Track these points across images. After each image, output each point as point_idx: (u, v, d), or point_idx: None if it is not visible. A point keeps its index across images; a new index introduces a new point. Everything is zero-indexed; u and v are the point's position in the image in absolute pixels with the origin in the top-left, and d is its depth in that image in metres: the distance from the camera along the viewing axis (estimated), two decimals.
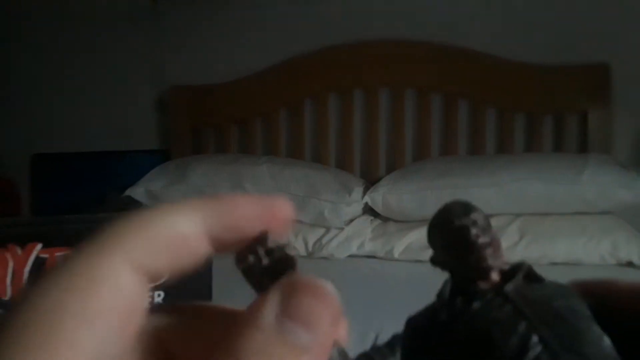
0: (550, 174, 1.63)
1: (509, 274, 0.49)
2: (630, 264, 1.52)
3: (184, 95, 2.30)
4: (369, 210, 1.81)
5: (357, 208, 1.80)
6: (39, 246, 0.67)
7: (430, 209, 1.40)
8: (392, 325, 1.31)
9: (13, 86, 2.50)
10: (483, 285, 0.48)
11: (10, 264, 0.65)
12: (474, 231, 0.47)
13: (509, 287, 0.48)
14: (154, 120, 2.41)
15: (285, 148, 2.23)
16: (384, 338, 1.21)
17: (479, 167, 1.73)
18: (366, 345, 1.10)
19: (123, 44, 2.39)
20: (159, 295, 0.73)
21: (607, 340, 0.43)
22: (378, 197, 1.76)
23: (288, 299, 0.20)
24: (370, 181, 1.92)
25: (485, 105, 2.03)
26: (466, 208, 0.50)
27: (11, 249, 0.65)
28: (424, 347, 0.49)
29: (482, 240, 0.47)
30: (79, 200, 2.17)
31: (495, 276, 0.48)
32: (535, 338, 0.43)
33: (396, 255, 1.69)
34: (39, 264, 0.67)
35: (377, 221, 1.80)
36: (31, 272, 0.67)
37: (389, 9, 2.12)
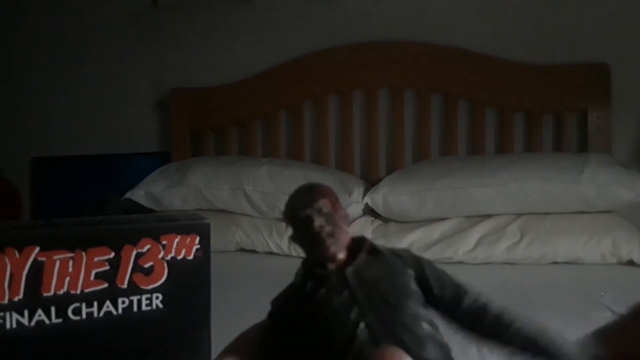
0: (550, 173, 1.63)
1: (354, 248, 0.52)
2: (630, 263, 1.52)
3: (184, 97, 2.31)
4: (369, 211, 1.81)
5: (357, 209, 1.80)
6: (37, 249, 0.67)
7: (431, 210, 1.41)
8: None
9: (13, 89, 2.50)
10: (331, 266, 0.51)
11: (8, 268, 0.65)
12: (317, 222, 0.50)
13: (350, 270, 0.51)
14: (155, 122, 2.41)
15: (285, 149, 2.23)
16: None
17: (479, 167, 1.74)
18: None
19: (123, 47, 2.39)
20: (157, 297, 0.73)
21: (425, 326, 0.47)
22: (378, 197, 1.76)
23: None
24: (370, 182, 1.92)
25: (484, 105, 2.04)
26: (312, 195, 0.53)
27: (9, 253, 0.65)
28: (287, 330, 0.52)
29: (325, 230, 0.50)
30: (80, 203, 2.17)
31: (341, 255, 0.51)
32: (362, 324, 0.46)
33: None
34: (37, 267, 0.68)
35: (378, 222, 1.80)
36: (29, 275, 0.67)
37: (387, 11, 2.12)
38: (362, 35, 2.13)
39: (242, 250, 1.84)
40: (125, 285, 0.70)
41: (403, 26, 2.09)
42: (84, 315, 0.68)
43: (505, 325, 0.51)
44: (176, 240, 0.74)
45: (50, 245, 0.66)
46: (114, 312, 0.70)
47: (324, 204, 0.52)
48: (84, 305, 0.69)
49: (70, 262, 0.67)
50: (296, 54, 2.20)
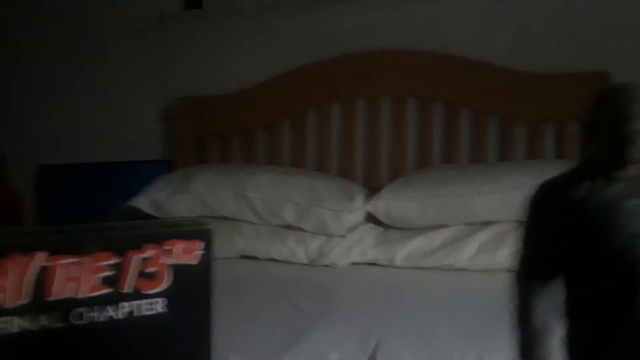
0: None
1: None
2: None
3: (189, 106, 2.32)
4: (371, 218, 1.82)
5: (360, 216, 1.81)
6: (42, 255, 0.69)
7: (433, 217, 1.42)
8: (393, 332, 1.32)
9: (19, 98, 2.52)
10: (625, 174, 0.48)
11: (13, 273, 0.66)
12: (637, 125, 0.47)
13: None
14: (159, 131, 2.43)
15: (289, 157, 2.24)
16: (386, 344, 1.22)
17: (481, 175, 1.74)
18: (368, 351, 1.11)
19: (130, 57, 2.41)
20: (160, 302, 0.74)
21: None
22: (380, 205, 1.77)
23: None
24: (372, 189, 1.93)
25: (486, 114, 2.04)
26: (638, 95, 0.51)
27: (15, 258, 0.67)
28: (553, 214, 0.48)
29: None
30: (85, 210, 2.18)
31: (634, 169, 0.48)
32: None
33: (398, 262, 1.70)
34: (42, 272, 0.69)
35: (380, 229, 1.80)
36: (34, 280, 0.68)
37: (390, 21, 2.13)
38: (365, 45, 2.14)
39: (245, 257, 1.85)
40: (128, 290, 0.71)
41: (406, 36, 2.10)
42: (86, 320, 0.69)
43: None
44: (179, 246, 0.75)
45: (55, 250, 0.67)
46: (117, 317, 0.71)
47: None
48: (87, 309, 0.69)
49: (75, 267, 0.68)
50: (299, 63, 2.21)
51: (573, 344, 0.45)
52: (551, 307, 0.47)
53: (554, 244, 0.49)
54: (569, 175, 0.51)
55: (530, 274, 0.49)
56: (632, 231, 0.43)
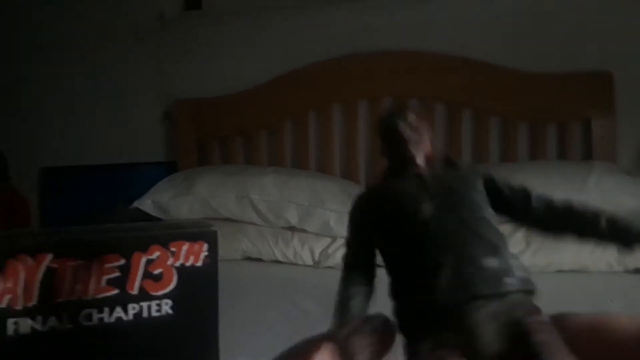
0: (555, 181, 1.63)
1: (434, 161, 0.61)
2: (637, 271, 1.52)
3: (190, 108, 2.33)
4: None
5: None
6: (50, 256, 0.69)
7: None
8: (398, 333, 1.31)
9: (22, 100, 2.53)
10: (411, 169, 0.60)
11: (22, 275, 0.67)
12: (401, 128, 0.59)
13: (426, 171, 0.60)
14: (161, 132, 2.43)
15: (291, 159, 2.25)
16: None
17: None
18: None
19: (130, 58, 2.42)
20: (166, 303, 0.74)
21: (483, 211, 0.54)
22: None
23: None
24: None
25: (488, 114, 2.04)
26: (402, 109, 0.63)
27: (22, 260, 0.67)
28: (366, 216, 0.60)
29: (406, 135, 0.59)
30: (88, 212, 2.19)
31: (420, 163, 0.58)
32: (429, 204, 0.52)
33: None
34: (50, 274, 0.69)
35: None
36: (42, 282, 0.68)
37: (391, 21, 2.14)
38: (366, 45, 2.14)
39: (249, 258, 1.85)
40: (135, 292, 0.71)
41: (406, 36, 2.11)
42: (95, 321, 0.70)
43: (579, 214, 0.57)
44: (185, 247, 0.75)
45: (62, 252, 0.67)
46: (125, 318, 0.71)
47: (409, 114, 0.61)
48: (95, 311, 0.70)
49: (83, 269, 0.68)
50: (301, 64, 2.22)
51: (399, 319, 0.53)
52: (367, 285, 0.58)
53: (368, 236, 0.61)
54: (373, 184, 0.64)
55: (351, 264, 0.60)
56: (412, 207, 0.53)
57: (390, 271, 0.57)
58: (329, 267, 1.75)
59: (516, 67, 2.00)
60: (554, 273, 1.56)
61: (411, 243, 0.54)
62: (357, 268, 0.60)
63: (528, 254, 1.57)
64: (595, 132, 1.94)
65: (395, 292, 0.55)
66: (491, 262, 0.51)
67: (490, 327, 0.45)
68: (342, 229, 1.78)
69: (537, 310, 0.50)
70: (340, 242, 1.78)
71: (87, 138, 2.47)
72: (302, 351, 0.42)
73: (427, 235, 0.52)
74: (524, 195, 0.62)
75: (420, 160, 0.59)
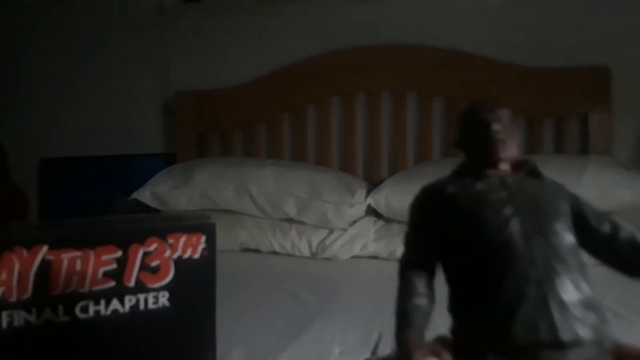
0: (552, 175, 1.63)
1: (517, 167, 0.55)
2: None
3: (190, 100, 2.33)
4: (372, 212, 1.83)
5: (360, 209, 1.81)
6: (45, 248, 0.69)
7: None
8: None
9: (21, 92, 2.53)
10: (493, 172, 0.54)
11: (17, 267, 0.67)
12: (495, 127, 0.53)
13: (510, 178, 0.54)
14: (161, 124, 2.44)
15: (289, 151, 2.25)
16: (388, 336, 1.23)
17: None
18: (370, 344, 1.11)
19: (130, 50, 2.42)
20: (164, 295, 0.74)
21: (569, 237, 0.49)
22: (381, 198, 1.77)
23: None
24: (373, 183, 1.94)
25: None
26: (494, 105, 0.58)
27: (17, 252, 0.67)
28: (434, 215, 0.54)
29: (499, 135, 0.53)
30: (87, 203, 2.19)
31: (504, 167, 0.53)
32: (516, 220, 0.48)
33: (399, 255, 1.70)
34: (46, 266, 0.69)
35: (380, 222, 1.81)
36: (37, 274, 0.68)
37: (390, 15, 2.13)
38: (365, 39, 2.14)
39: (247, 249, 1.86)
40: (132, 284, 0.72)
41: (405, 30, 2.11)
42: (91, 313, 0.70)
43: None
44: (182, 239, 0.75)
45: (58, 244, 0.67)
46: (121, 310, 0.71)
47: (503, 114, 0.56)
48: (91, 303, 0.70)
49: (79, 261, 0.69)
50: (300, 57, 2.21)
51: (455, 333, 0.49)
52: (428, 294, 0.54)
53: (432, 237, 0.55)
54: (444, 179, 0.57)
55: (411, 264, 0.55)
56: (496, 221, 0.48)
57: (454, 284, 0.52)
58: (327, 258, 1.76)
59: (514, 62, 2.00)
60: None
61: (490, 260, 0.48)
62: (417, 271, 0.54)
63: None
64: (592, 126, 1.94)
65: (459, 309, 0.50)
66: (576, 304, 0.45)
67: None
68: (339, 221, 1.79)
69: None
70: (338, 234, 1.79)
71: (86, 129, 2.47)
72: None
73: (512, 257, 0.46)
74: (612, 226, 0.56)
75: (505, 165, 0.54)
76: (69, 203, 2.35)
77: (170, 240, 0.76)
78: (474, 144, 0.55)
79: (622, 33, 1.94)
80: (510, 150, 0.53)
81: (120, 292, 0.72)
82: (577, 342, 0.42)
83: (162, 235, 0.75)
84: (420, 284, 0.51)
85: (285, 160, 2.15)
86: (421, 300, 0.50)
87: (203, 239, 0.78)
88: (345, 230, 1.79)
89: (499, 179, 0.51)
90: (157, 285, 0.74)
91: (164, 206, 1.95)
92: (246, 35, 2.30)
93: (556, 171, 1.63)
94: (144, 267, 0.74)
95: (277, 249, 1.82)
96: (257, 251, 1.86)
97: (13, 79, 2.52)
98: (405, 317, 0.49)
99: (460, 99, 2.06)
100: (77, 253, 0.70)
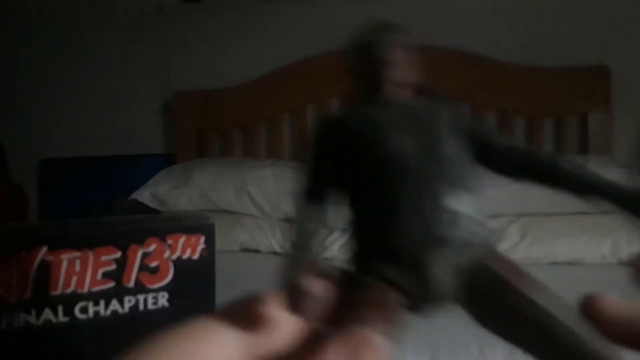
0: None
1: (410, 90, 0.57)
2: None
3: (189, 100, 2.33)
4: None
5: None
6: (44, 249, 0.69)
7: None
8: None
9: (21, 92, 2.53)
10: (386, 96, 0.55)
11: (16, 268, 0.67)
12: (384, 50, 0.54)
13: (403, 101, 0.55)
14: (160, 124, 2.44)
15: (289, 151, 2.25)
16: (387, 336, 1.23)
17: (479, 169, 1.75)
18: None
19: (129, 50, 2.42)
20: (163, 296, 0.75)
21: (462, 153, 0.50)
22: None
23: (351, 353, 0.25)
24: None
25: (485, 108, 2.05)
26: (385, 26, 0.57)
27: (17, 253, 0.67)
28: (332, 146, 0.56)
29: (389, 58, 0.54)
30: (87, 204, 2.19)
31: (397, 90, 0.55)
32: (409, 140, 0.48)
33: None
34: (45, 267, 0.69)
35: None
36: (36, 275, 0.68)
37: (389, 14, 2.13)
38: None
39: (246, 250, 1.86)
40: (131, 284, 0.72)
41: (404, 29, 2.11)
42: (91, 314, 0.70)
43: (540, 160, 0.53)
44: (182, 240, 0.75)
45: (57, 245, 0.67)
46: (121, 311, 0.71)
47: (394, 36, 0.56)
48: (91, 304, 0.70)
49: (78, 262, 0.69)
50: (299, 57, 2.22)
51: (354, 257, 0.50)
52: (324, 221, 0.55)
53: (329, 166, 0.55)
54: (342, 109, 0.58)
55: (307, 193, 0.55)
56: (390, 143, 0.50)
57: (354, 209, 0.54)
58: (327, 258, 1.76)
59: (513, 61, 2.01)
60: (548, 265, 1.57)
61: (386, 180, 0.50)
62: (315, 201, 0.56)
63: (523, 246, 1.58)
64: (591, 126, 1.95)
65: (358, 232, 0.52)
66: (468, 214, 0.49)
67: (445, 270, 0.45)
68: (339, 222, 1.79)
69: (502, 256, 0.49)
70: (338, 234, 1.79)
71: (86, 130, 2.47)
72: (244, 302, 0.34)
73: (407, 175, 0.49)
74: (503, 140, 0.59)
75: (397, 88, 0.56)
76: (69, 203, 2.35)
77: (170, 241, 0.76)
78: (366, 69, 0.57)
79: (622, 32, 1.94)
80: (401, 73, 0.55)
81: (119, 293, 0.72)
82: (465, 244, 0.45)
83: (161, 235, 0.75)
84: (315, 211, 0.52)
85: (284, 161, 2.15)
86: (316, 227, 0.52)
87: (202, 239, 0.77)
88: (344, 230, 1.79)
89: (393, 102, 0.53)
90: (156, 286, 0.74)
91: (163, 206, 1.95)
92: (246, 35, 2.30)
93: None
94: (143, 267, 0.74)
95: (277, 249, 1.82)
96: (257, 251, 1.86)
97: (13, 79, 2.52)
98: (299, 242, 0.50)
99: (458, 98, 2.06)
100: (77, 254, 0.70)
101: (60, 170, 2.48)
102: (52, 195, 2.48)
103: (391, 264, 0.46)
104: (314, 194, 0.56)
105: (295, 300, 0.32)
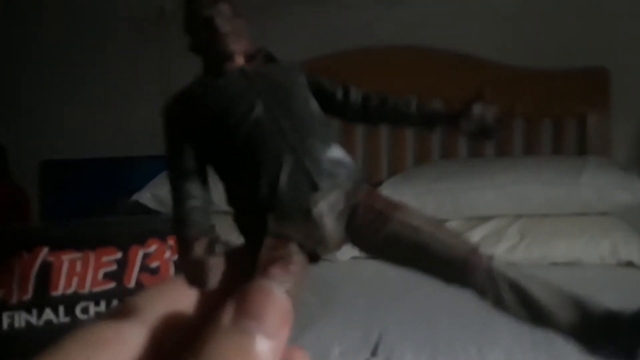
0: (550, 176, 1.65)
1: (252, 56, 0.59)
2: (630, 264, 1.54)
3: None
4: None
5: None
6: (46, 250, 0.69)
7: (431, 212, 1.45)
8: (395, 325, 1.34)
9: (23, 94, 2.54)
10: (229, 66, 0.57)
11: (17, 268, 0.67)
12: (218, 21, 0.56)
13: (247, 67, 0.57)
14: (161, 126, 2.44)
15: None
16: (388, 337, 1.24)
17: (479, 170, 1.75)
18: (370, 344, 1.12)
19: (131, 53, 2.42)
20: None
21: (312, 105, 0.53)
22: None
23: (243, 301, 0.26)
24: (372, 185, 1.94)
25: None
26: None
27: (18, 253, 0.68)
28: (187, 124, 0.57)
29: (224, 29, 0.56)
30: (88, 205, 2.20)
31: (239, 59, 0.57)
32: (259, 102, 0.49)
33: None
34: (46, 267, 0.70)
35: None
36: (38, 275, 0.69)
37: (388, 16, 2.14)
38: (363, 41, 2.15)
39: None
40: (132, 285, 0.73)
41: (403, 31, 2.11)
42: (92, 314, 0.71)
43: (393, 103, 0.56)
44: None
45: (59, 245, 0.68)
46: None
47: (224, 7, 0.57)
48: (92, 304, 0.71)
49: (79, 262, 0.69)
50: (300, 58, 2.21)
51: (240, 224, 0.52)
52: (203, 196, 0.55)
53: (189, 142, 0.56)
54: (189, 84, 0.59)
55: (178, 175, 0.55)
56: (241, 109, 0.52)
57: (224, 178, 0.55)
58: (326, 259, 1.76)
59: (512, 63, 2.01)
60: (547, 265, 1.57)
61: (244, 145, 0.52)
62: (186, 178, 0.55)
63: (522, 247, 1.59)
64: (590, 127, 1.95)
65: (233, 197, 0.53)
66: (328, 160, 0.51)
67: (331, 216, 0.45)
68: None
69: (375, 191, 0.50)
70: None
71: (87, 131, 2.48)
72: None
73: (263, 135, 0.51)
74: (344, 89, 0.61)
75: (239, 55, 0.57)
76: (70, 205, 2.36)
77: (170, 242, 0.77)
78: (204, 42, 0.58)
79: (621, 34, 1.95)
80: (238, 42, 0.57)
81: (120, 293, 0.73)
82: (340, 186, 0.48)
83: (162, 236, 0.76)
84: (192, 188, 0.53)
85: None
86: (196, 202, 0.52)
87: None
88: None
89: (237, 70, 0.55)
90: None
91: (164, 208, 1.95)
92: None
93: (554, 172, 1.66)
94: (144, 268, 0.75)
95: None
96: None
97: (14, 80, 2.53)
98: (183, 220, 0.51)
99: (458, 100, 2.06)
100: (78, 254, 0.71)
101: (62, 171, 2.49)
102: (54, 197, 2.48)
103: (278, 222, 0.48)
104: (184, 174, 0.57)
105: (193, 276, 0.33)
